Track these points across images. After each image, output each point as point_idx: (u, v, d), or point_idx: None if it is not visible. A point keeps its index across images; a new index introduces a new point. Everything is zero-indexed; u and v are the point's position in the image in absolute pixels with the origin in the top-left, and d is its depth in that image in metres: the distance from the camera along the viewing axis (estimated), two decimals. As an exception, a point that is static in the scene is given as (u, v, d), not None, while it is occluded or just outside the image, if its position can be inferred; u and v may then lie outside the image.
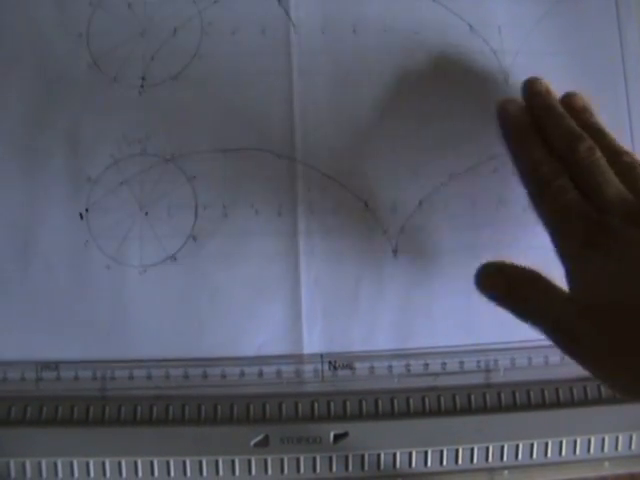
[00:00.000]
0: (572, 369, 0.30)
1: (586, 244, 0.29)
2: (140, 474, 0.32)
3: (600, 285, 0.28)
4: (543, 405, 0.33)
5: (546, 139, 0.32)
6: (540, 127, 0.33)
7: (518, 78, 0.36)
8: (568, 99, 0.34)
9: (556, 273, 0.29)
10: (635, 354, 0.26)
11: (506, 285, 0.31)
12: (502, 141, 0.34)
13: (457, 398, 0.33)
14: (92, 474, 0.32)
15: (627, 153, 0.31)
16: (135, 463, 0.32)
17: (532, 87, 0.34)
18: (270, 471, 0.32)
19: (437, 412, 0.33)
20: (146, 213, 0.34)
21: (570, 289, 0.29)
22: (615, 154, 0.31)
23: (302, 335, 0.34)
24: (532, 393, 0.33)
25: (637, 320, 0.26)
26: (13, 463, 0.32)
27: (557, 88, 0.36)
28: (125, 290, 0.34)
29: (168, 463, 0.32)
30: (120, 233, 0.34)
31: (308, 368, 0.34)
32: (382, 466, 0.33)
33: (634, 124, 0.37)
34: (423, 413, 0.33)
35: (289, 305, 0.34)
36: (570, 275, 0.29)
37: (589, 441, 0.33)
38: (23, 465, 0.32)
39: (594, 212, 0.29)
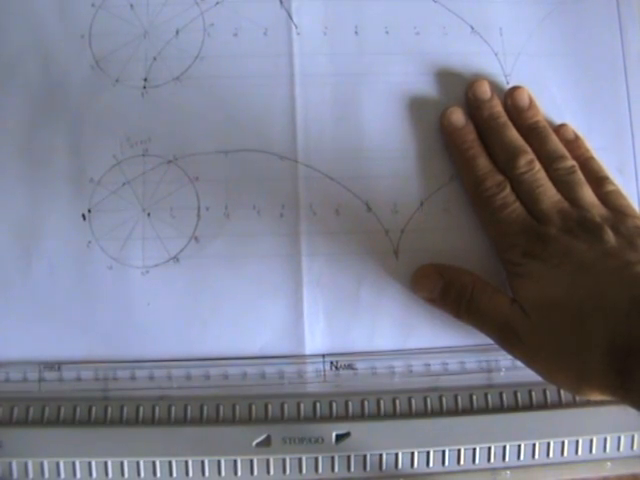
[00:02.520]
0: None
1: (526, 254, 0.31)
2: (142, 474, 0.32)
3: (540, 290, 0.29)
4: (545, 405, 0.33)
5: (489, 149, 0.34)
6: (484, 136, 0.34)
7: (519, 80, 0.36)
8: (512, 97, 0.35)
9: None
10: (575, 354, 0.28)
11: (442, 287, 0.33)
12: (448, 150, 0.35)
13: (459, 398, 0.33)
14: (94, 474, 0.32)
15: (564, 158, 0.33)
16: (137, 463, 0.32)
17: (476, 93, 0.35)
18: (272, 471, 0.32)
19: (439, 412, 0.33)
20: (148, 214, 0.34)
21: (513, 293, 0.31)
22: (553, 161, 0.33)
23: (304, 335, 0.34)
24: (534, 393, 0.33)
25: (575, 322, 0.28)
26: (15, 463, 0.32)
27: (558, 90, 0.37)
28: (127, 291, 0.34)
29: (170, 463, 0.32)
30: (123, 234, 0.34)
31: (310, 368, 0.34)
32: (384, 466, 0.33)
33: (635, 124, 0.37)
34: (425, 413, 0.33)
35: (291, 305, 0.34)
36: (512, 280, 0.31)
37: (591, 441, 0.33)
38: (25, 465, 0.32)
39: (534, 222, 0.31)
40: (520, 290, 0.30)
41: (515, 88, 0.35)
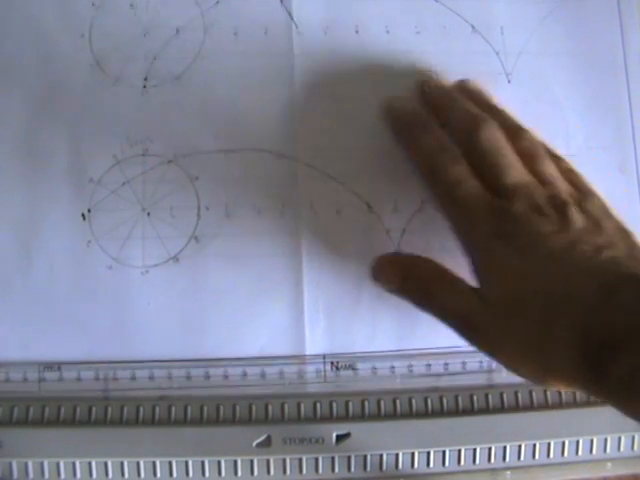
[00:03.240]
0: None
1: (492, 235, 0.28)
2: (142, 475, 0.32)
3: (505, 279, 0.27)
4: (546, 406, 0.33)
5: (444, 127, 0.31)
6: (438, 115, 0.32)
7: (521, 79, 0.36)
8: (461, 84, 0.34)
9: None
10: (537, 347, 0.26)
11: (401, 276, 0.31)
12: (398, 143, 0.34)
13: (459, 399, 0.33)
14: (94, 475, 0.32)
15: (527, 132, 0.31)
16: (137, 464, 0.32)
17: (426, 83, 0.34)
18: (272, 471, 0.32)
19: (439, 413, 0.33)
20: (148, 214, 0.34)
21: (477, 281, 0.28)
22: (516, 132, 0.31)
23: (304, 336, 0.34)
24: (534, 394, 0.33)
25: (542, 313, 0.26)
26: (15, 464, 0.32)
27: (559, 89, 0.37)
28: (127, 291, 0.34)
29: (170, 464, 0.32)
30: (122, 234, 0.34)
31: (310, 369, 0.34)
32: (384, 467, 0.33)
33: (636, 123, 0.37)
34: (425, 414, 0.33)
35: (291, 305, 0.34)
36: (476, 267, 0.29)
37: (591, 442, 0.33)
38: (25, 466, 0.32)
39: (499, 199, 0.28)
40: (483, 277, 0.28)
41: (463, 79, 0.34)
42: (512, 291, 0.27)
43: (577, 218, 0.28)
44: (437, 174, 0.30)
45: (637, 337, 0.23)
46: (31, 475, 0.32)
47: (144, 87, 0.35)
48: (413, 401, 0.33)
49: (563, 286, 0.26)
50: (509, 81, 0.36)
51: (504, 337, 0.27)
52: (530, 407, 0.33)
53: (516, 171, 0.29)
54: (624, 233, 0.28)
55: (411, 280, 0.30)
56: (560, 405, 0.33)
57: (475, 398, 0.33)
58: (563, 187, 0.29)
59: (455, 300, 0.29)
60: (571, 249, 0.27)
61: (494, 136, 0.30)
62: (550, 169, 0.30)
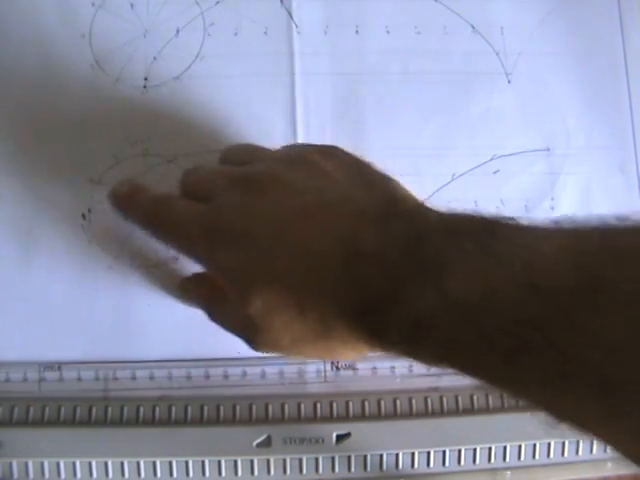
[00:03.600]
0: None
1: (205, 235, 0.26)
2: (143, 475, 0.32)
3: (243, 279, 0.25)
4: (546, 406, 0.33)
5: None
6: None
7: (521, 79, 0.36)
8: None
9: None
10: (314, 329, 0.25)
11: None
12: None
13: (459, 399, 0.33)
14: (95, 474, 0.32)
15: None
16: (138, 464, 0.32)
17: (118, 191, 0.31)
18: (273, 471, 0.32)
19: (439, 413, 0.33)
20: (149, 214, 0.34)
21: (231, 293, 0.27)
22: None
23: (304, 336, 0.34)
24: (535, 394, 0.33)
25: (297, 293, 0.24)
26: (16, 464, 0.32)
27: (559, 89, 0.37)
28: (127, 291, 0.34)
29: (171, 464, 0.32)
30: (123, 234, 0.34)
31: (310, 369, 0.34)
32: (384, 466, 0.32)
33: (636, 123, 0.37)
34: (425, 414, 0.33)
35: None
36: (225, 284, 0.27)
37: (592, 442, 0.33)
38: (26, 465, 0.32)
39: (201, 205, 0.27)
40: (235, 293, 0.26)
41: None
42: (245, 285, 0.25)
43: (276, 189, 0.26)
44: (158, 215, 0.29)
45: (392, 287, 0.22)
46: (31, 475, 0.32)
47: (144, 87, 0.35)
48: (413, 401, 0.33)
49: (304, 260, 0.24)
50: (509, 81, 0.36)
51: (275, 331, 0.25)
52: (530, 407, 0.33)
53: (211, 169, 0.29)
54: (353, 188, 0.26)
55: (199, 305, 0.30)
56: (560, 405, 0.33)
57: (475, 398, 0.33)
58: (260, 167, 0.28)
59: (230, 318, 0.28)
60: (299, 218, 0.25)
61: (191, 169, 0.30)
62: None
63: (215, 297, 0.29)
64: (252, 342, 0.27)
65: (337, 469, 0.32)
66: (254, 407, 0.33)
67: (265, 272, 0.25)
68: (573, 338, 0.18)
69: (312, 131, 0.35)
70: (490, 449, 0.33)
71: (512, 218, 0.22)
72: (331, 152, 0.28)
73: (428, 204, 0.25)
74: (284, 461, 0.32)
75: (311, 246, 0.24)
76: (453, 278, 0.21)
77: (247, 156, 0.29)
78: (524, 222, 0.22)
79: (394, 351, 0.24)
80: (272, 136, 0.35)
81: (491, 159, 0.36)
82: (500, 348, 0.20)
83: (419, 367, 0.34)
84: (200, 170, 0.30)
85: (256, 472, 0.32)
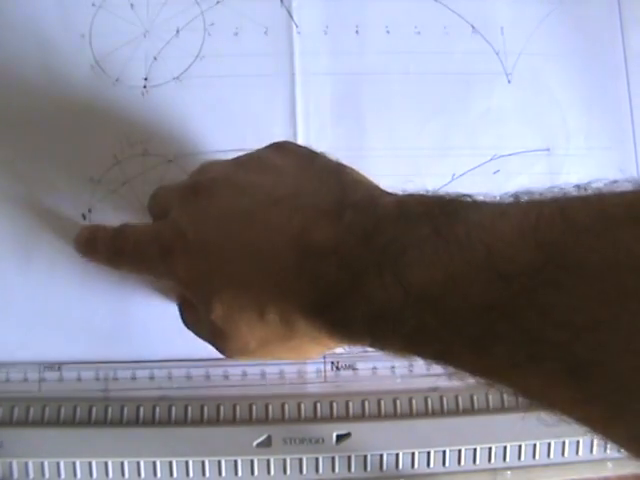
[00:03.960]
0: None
1: (161, 253, 0.26)
2: (143, 475, 0.32)
3: (203, 282, 0.25)
4: (546, 406, 0.33)
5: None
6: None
7: (521, 79, 0.36)
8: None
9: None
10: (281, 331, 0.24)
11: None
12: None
13: (459, 399, 0.33)
14: (95, 475, 0.32)
15: None
16: (138, 464, 0.32)
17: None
18: (273, 471, 0.32)
19: (439, 413, 0.33)
20: (149, 214, 0.34)
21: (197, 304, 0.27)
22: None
23: (305, 336, 0.34)
24: (535, 394, 0.33)
25: (256, 297, 0.24)
26: (16, 463, 0.32)
27: (559, 89, 0.37)
28: (127, 290, 0.34)
29: (171, 464, 0.32)
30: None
31: (311, 369, 0.34)
32: (384, 467, 0.32)
33: (636, 123, 0.37)
34: (425, 414, 0.33)
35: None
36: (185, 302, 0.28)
37: (592, 442, 0.33)
38: (26, 465, 0.32)
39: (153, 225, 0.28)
40: (198, 300, 0.26)
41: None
42: (205, 290, 0.25)
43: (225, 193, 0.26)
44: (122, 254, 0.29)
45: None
46: (31, 475, 0.32)
47: (144, 87, 0.35)
48: (413, 401, 0.33)
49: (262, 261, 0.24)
50: (509, 81, 0.36)
51: (237, 337, 0.25)
52: (530, 407, 0.33)
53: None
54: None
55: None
56: (560, 405, 0.33)
57: (475, 398, 0.33)
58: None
59: (201, 330, 0.28)
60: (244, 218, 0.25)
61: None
62: None
63: (187, 308, 0.29)
64: (222, 350, 0.27)
65: (337, 469, 0.32)
66: (254, 407, 0.33)
67: (222, 277, 0.24)
68: (540, 319, 0.17)
69: (312, 131, 0.35)
70: (490, 449, 0.33)
71: (469, 195, 0.22)
72: (282, 146, 0.28)
73: (383, 188, 0.25)
74: (284, 461, 0.32)
75: (263, 246, 0.24)
76: (413, 268, 0.20)
77: (205, 168, 0.29)
78: (481, 198, 0.21)
79: (361, 344, 0.23)
80: (272, 136, 0.34)
81: (491, 159, 0.36)
82: (467, 335, 0.19)
83: (419, 367, 0.34)
84: (160, 190, 0.30)
85: (256, 472, 0.32)
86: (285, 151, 0.27)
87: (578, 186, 0.19)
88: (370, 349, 0.34)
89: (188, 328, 0.30)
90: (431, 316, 0.20)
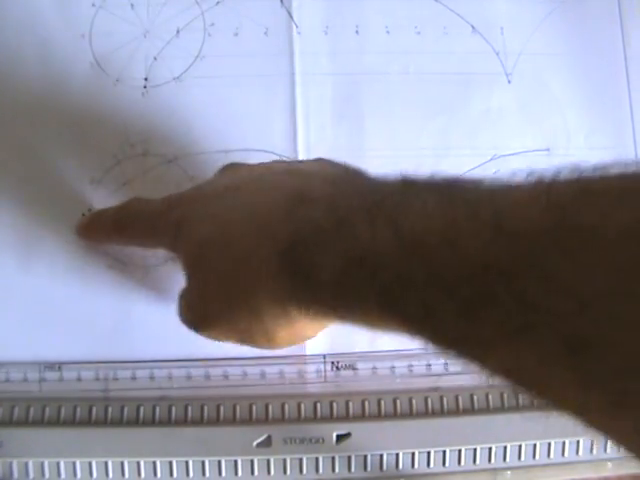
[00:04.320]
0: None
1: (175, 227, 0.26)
2: (143, 475, 0.32)
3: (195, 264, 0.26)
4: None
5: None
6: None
7: (521, 79, 0.36)
8: None
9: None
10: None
11: None
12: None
13: (460, 399, 0.33)
14: (95, 475, 0.32)
15: None
16: (138, 464, 0.32)
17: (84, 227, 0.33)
18: (273, 471, 0.32)
19: (440, 413, 0.33)
20: (149, 214, 0.34)
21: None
22: None
23: (305, 336, 0.34)
24: (535, 394, 0.33)
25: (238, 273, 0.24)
26: (16, 463, 0.32)
27: (559, 89, 0.37)
28: (128, 291, 0.34)
29: (171, 464, 0.32)
30: (123, 234, 0.34)
31: (311, 369, 0.34)
32: (385, 466, 0.32)
33: (636, 123, 0.37)
34: (426, 414, 0.33)
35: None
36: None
37: (592, 442, 0.33)
38: (26, 465, 0.32)
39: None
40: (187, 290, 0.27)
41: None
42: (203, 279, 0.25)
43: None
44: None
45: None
46: (31, 475, 0.32)
47: (144, 87, 0.35)
48: (413, 401, 0.33)
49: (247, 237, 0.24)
50: (509, 81, 0.36)
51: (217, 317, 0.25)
52: (531, 407, 0.33)
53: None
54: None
55: None
56: (560, 405, 0.33)
57: (475, 398, 0.33)
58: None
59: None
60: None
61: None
62: None
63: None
64: (204, 310, 0.26)
65: (337, 469, 0.32)
66: (254, 407, 0.33)
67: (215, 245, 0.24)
68: (541, 285, 0.15)
69: (312, 131, 0.35)
70: (490, 449, 0.33)
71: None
72: (262, 163, 0.29)
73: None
74: (284, 461, 0.32)
75: (261, 200, 0.24)
76: (409, 215, 0.19)
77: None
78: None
79: (323, 300, 0.21)
80: (272, 136, 0.35)
81: (491, 159, 0.36)
82: (458, 297, 0.17)
83: (419, 367, 0.34)
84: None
85: (256, 472, 0.32)
86: (267, 164, 0.29)
87: (596, 166, 0.17)
88: (369, 349, 0.34)
89: (184, 320, 0.28)
90: (419, 266, 0.18)
